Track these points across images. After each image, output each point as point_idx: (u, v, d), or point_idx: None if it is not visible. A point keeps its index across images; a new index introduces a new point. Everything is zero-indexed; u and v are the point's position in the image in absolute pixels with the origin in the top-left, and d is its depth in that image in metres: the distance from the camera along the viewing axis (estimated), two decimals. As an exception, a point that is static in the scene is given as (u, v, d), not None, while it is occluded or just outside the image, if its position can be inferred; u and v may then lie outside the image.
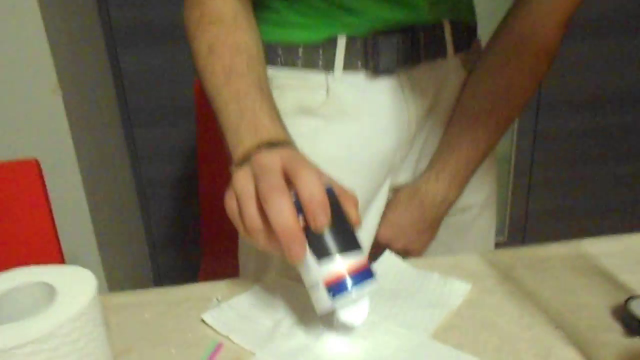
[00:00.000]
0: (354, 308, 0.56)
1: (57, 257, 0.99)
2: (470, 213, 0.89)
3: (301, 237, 0.52)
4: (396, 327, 0.62)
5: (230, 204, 0.57)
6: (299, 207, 0.54)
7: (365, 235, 0.84)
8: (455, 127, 0.86)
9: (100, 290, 0.53)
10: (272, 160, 0.56)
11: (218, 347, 0.61)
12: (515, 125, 2.11)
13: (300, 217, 0.54)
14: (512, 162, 2.15)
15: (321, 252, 0.53)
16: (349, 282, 0.53)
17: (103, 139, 1.76)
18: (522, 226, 2.26)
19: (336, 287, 0.53)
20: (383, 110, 0.80)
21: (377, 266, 0.74)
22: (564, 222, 2.25)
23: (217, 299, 0.69)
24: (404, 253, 0.87)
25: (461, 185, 0.86)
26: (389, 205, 0.86)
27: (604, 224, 2.19)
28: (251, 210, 0.54)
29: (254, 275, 0.86)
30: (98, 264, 1.57)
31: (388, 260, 0.75)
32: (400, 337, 0.61)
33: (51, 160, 1.44)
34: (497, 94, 0.84)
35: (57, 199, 1.52)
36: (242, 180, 0.56)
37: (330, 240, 0.54)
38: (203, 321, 0.65)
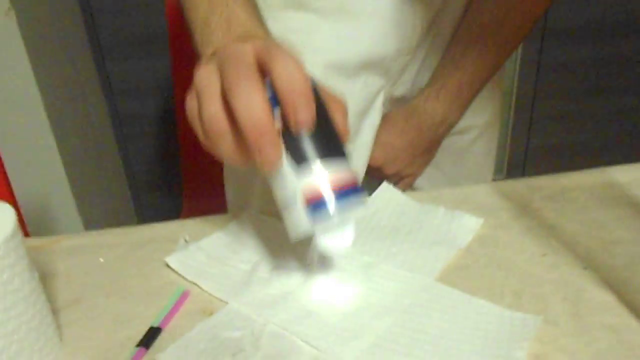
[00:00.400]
0: (337, 231, 0.46)
1: (6, 194, 0.88)
2: (468, 135, 0.79)
3: (274, 135, 0.41)
4: (395, 269, 0.52)
5: (190, 105, 0.45)
6: (275, 103, 0.42)
7: (357, 156, 0.73)
8: (462, 40, 0.74)
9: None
10: (242, 48, 0.43)
11: (184, 296, 0.51)
12: (519, 56, 1.97)
13: (276, 118, 0.42)
14: (514, 95, 2.02)
15: (300, 159, 0.42)
16: (332, 198, 0.42)
17: (70, 71, 1.61)
18: (521, 163, 2.16)
19: (316, 205, 0.42)
20: (387, 10, 0.67)
21: (373, 200, 0.64)
22: (565, 159, 2.16)
23: (185, 240, 0.59)
24: (397, 178, 0.77)
25: (463, 105, 0.75)
26: (382, 125, 0.75)
27: (608, 160, 2.09)
28: (211, 107, 0.42)
29: (235, 210, 0.76)
30: (71, 205, 1.46)
31: (385, 193, 0.64)
32: (401, 280, 0.51)
33: (10, 92, 1.30)
34: (510, 1, 0.72)
35: (23, 136, 1.40)
36: (204, 74, 0.43)
37: (312, 147, 0.42)
38: (168, 266, 0.55)
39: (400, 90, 0.76)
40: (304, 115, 0.41)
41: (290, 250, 0.56)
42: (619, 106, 2.10)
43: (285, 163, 0.43)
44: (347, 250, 0.47)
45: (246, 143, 0.42)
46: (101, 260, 0.57)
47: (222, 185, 0.84)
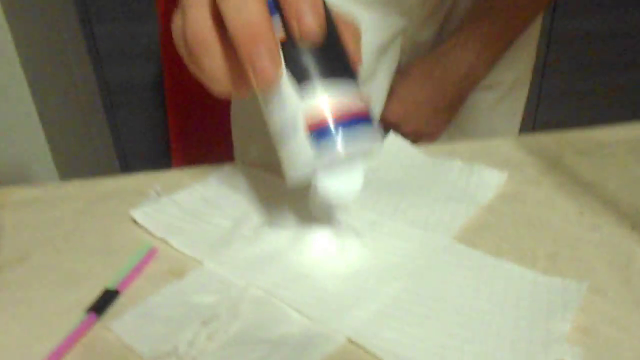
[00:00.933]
0: (344, 172, 0.37)
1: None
2: (495, 93, 0.70)
3: (272, 43, 0.32)
4: (406, 227, 0.44)
5: (175, 23, 0.36)
6: (275, 11, 0.33)
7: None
8: None
9: None
10: None
11: (149, 254, 0.42)
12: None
13: (276, 27, 0.33)
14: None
15: (303, 77, 0.33)
16: (341, 126, 0.34)
17: (53, 34, 1.50)
18: (531, 124, 2.06)
19: (320, 132, 0.33)
20: None
21: (379, 150, 0.55)
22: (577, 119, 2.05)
23: (156, 192, 0.50)
24: (415, 137, 0.68)
25: (492, 58, 0.66)
26: (402, 76, 0.65)
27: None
28: (196, 14, 0.33)
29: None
30: (54, 176, 1.37)
31: (392, 145, 0.56)
32: (412, 240, 0.42)
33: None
34: None
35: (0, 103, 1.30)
36: None
37: (318, 64, 0.34)
38: (134, 221, 0.46)
39: (424, 35, 0.66)
40: (310, 22, 0.32)
41: (281, 206, 0.47)
42: (632, 82, 2.01)
43: (285, 81, 0.34)
44: (354, 197, 0.38)
45: (239, 56, 0.33)
46: (57, 214, 0.48)
47: (212, 151, 0.75)
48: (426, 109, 0.65)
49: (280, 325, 0.35)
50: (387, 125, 0.63)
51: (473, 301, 0.36)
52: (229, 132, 0.98)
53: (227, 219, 0.46)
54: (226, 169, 0.52)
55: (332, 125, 0.33)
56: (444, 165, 0.52)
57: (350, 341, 0.34)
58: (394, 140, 0.56)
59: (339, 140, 0.33)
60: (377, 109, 0.64)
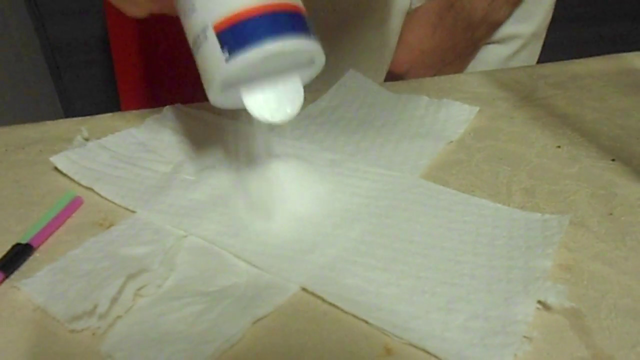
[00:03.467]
0: (273, 84, 0.31)
1: None
2: (510, 47, 0.63)
3: None
4: (367, 167, 0.39)
5: None
6: None
7: (384, 52, 0.56)
8: None
9: None
10: None
11: (73, 204, 0.36)
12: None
13: None
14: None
15: None
16: (257, 24, 0.28)
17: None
18: None
19: (234, 31, 0.28)
20: None
21: (337, 89, 0.50)
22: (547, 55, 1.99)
23: (83, 137, 0.43)
24: None
25: (510, 4, 0.59)
26: (410, 22, 0.58)
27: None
28: None
29: None
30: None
31: (352, 81, 0.50)
32: (375, 179, 0.38)
33: None
34: None
35: None
36: None
37: None
38: (57, 170, 0.40)
39: None
40: None
41: (226, 147, 0.41)
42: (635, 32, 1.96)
43: None
44: (292, 113, 0.31)
45: None
46: (-35, 165, 0.41)
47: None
48: (434, 60, 0.58)
49: (223, 277, 0.30)
50: (392, 76, 0.56)
51: (444, 241, 0.32)
52: (178, 91, 0.91)
53: (166, 163, 0.40)
54: (165, 111, 0.46)
55: (243, 23, 0.27)
56: (410, 101, 0.47)
57: (305, 290, 0.29)
58: (354, 76, 0.51)
59: (255, 39, 0.27)
60: (387, 59, 0.58)
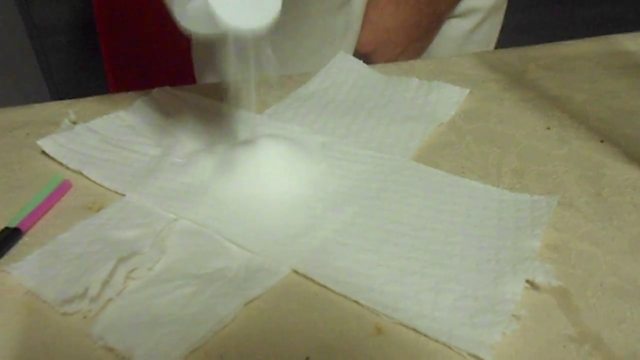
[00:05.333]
0: None
1: None
2: (471, 20, 0.63)
3: None
4: (358, 149, 0.39)
5: None
6: None
7: (346, 34, 0.56)
8: None
9: None
10: None
11: (62, 188, 0.36)
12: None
13: None
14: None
15: None
16: None
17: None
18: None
19: None
20: None
21: (328, 70, 0.49)
22: (541, 39, 1.99)
23: (71, 120, 0.43)
24: None
25: None
26: (373, 2, 0.58)
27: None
28: None
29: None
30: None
31: (343, 63, 0.50)
32: (366, 162, 0.38)
33: None
34: None
35: None
36: None
37: None
38: (45, 154, 0.39)
39: None
40: None
41: (217, 129, 0.41)
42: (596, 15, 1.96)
43: None
44: (266, 20, 0.29)
45: None
46: (-50, 149, 0.41)
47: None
48: (400, 38, 0.58)
49: (214, 259, 0.30)
50: (359, 56, 0.56)
51: (434, 222, 0.32)
52: (166, 71, 0.89)
53: (155, 146, 0.40)
54: (153, 94, 0.46)
55: None
56: (400, 83, 0.47)
57: (296, 273, 0.29)
58: (343, 58, 0.50)
59: None
60: (352, 42, 0.57)
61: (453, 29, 0.63)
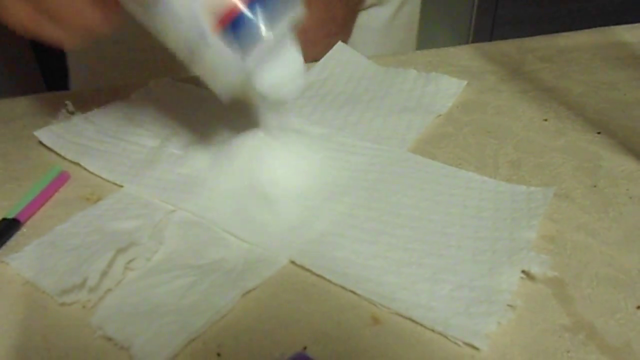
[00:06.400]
0: (278, 61, 0.30)
1: None
2: (388, 8, 0.63)
3: None
4: (356, 141, 0.39)
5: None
6: None
7: None
8: None
9: None
10: None
11: (59, 179, 0.36)
12: None
13: None
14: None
15: None
16: (256, 4, 0.27)
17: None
18: (488, 36, 1.97)
19: (235, 24, 0.27)
20: None
21: (326, 62, 0.49)
22: (535, 31, 1.98)
23: (68, 111, 0.43)
24: None
25: None
26: None
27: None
28: None
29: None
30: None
31: (341, 55, 0.50)
32: (363, 153, 0.38)
33: None
34: None
35: None
36: None
37: None
38: (42, 144, 0.39)
39: None
40: None
41: (215, 120, 0.41)
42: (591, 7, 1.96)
43: None
44: (301, 84, 0.32)
45: None
46: (-53, 140, 0.41)
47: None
48: (317, 35, 0.58)
49: (212, 250, 0.30)
50: None
51: (431, 213, 0.32)
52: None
53: (153, 137, 0.40)
54: (151, 85, 0.46)
55: (244, 9, 0.27)
56: (398, 74, 0.47)
57: (293, 264, 0.30)
58: (342, 49, 0.50)
59: (261, 23, 0.27)
60: None
61: (372, 18, 0.63)
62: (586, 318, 0.26)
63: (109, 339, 0.25)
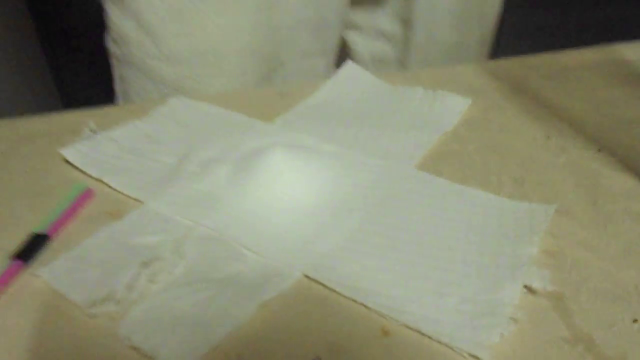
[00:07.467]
0: None
1: None
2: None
3: None
4: (365, 158, 0.41)
5: None
6: None
7: None
8: None
9: None
10: None
11: (85, 196, 0.38)
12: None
13: None
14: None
15: None
16: None
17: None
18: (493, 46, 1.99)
19: None
20: None
21: (336, 80, 0.51)
22: (541, 41, 2.00)
23: (91, 129, 0.45)
24: None
25: None
26: None
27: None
28: None
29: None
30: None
31: (350, 73, 0.52)
32: (372, 170, 0.40)
33: None
34: None
35: None
36: None
37: None
38: (67, 162, 0.41)
39: None
40: None
41: (231, 139, 0.43)
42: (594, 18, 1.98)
43: None
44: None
45: None
46: (-23, 157, 0.43)
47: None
48: None
49: (230, 264, 0.32)
50: None
51: (437, 229, 0.34)
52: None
53: (172, 155, 0.42)
54: (170, 103, 0.48)
55: None
56: (405, 92, 0.49)
57: (307, 277, 0.31)
58: (350, 68, 0.52)
59: None
60: None
61: None
62: (585, 330, 0.28)
63: (136, 349, 0.27)
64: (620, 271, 0.31)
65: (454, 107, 0.46)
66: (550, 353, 0.26)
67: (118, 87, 0.62)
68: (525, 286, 0.30)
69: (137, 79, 0.58)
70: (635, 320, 0.28)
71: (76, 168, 0.41)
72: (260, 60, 0.55)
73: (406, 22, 0.62)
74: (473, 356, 0.26)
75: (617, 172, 0.39)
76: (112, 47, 0.58)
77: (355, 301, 0.30)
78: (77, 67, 1.79)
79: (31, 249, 0.33)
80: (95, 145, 0.42)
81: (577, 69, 0.52)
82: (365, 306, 0.29)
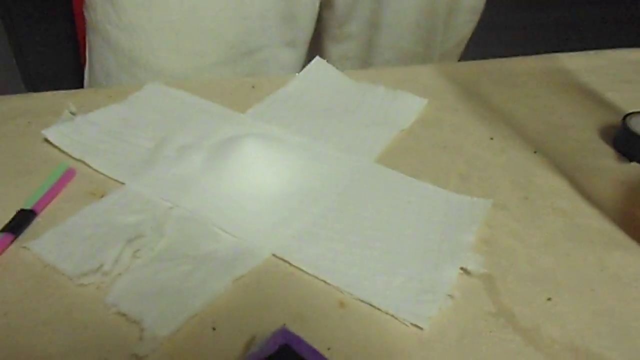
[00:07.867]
0: None
1: None
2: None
3: None
4: (330, 150, 0.45)
5: None
6: None
7: None
8: None
9: None
10: None
11: (67, 175, 0.40)
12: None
13: None
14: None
15: None
16: None
17: None
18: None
19: None
20: None
21: (304, 76, 0.55)
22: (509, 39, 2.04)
23: (71, 112, 0.47)
24: None
25: None
26: None
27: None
28: None
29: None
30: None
31: (318, 69, 0.56)
32: (336, 162, 0.44)
33: None
34: None
35: None
36: None
37: None
38: (47, 141, 0.44)
39: None
40: None
41: (204, 125, 0.46)
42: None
43: None
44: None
45: None
46: (-43, 133, 0.44)
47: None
48: None
49: (207, 243, 0.36)
50: None
51: (390, 217, 0.39)
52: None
53: (149, 139, 0.45)
54: (146, 89, 0.50)
55: None
56: (368, 90, 0.53)
57: (275, 256, 0.35)
58: (318, 64, 0.56)
59: None
60: None
61: None
62: (507, 306, 0.33)
63: (123, 315, 0.31)
64: (542, 257, 0.36)
65: (411, 106, 0.51)
66: (478, 324, 0.32)
67: (87, 55, 0.63)
68: (462, 268, 0.35)
69: (99, 47, 0.59)
70: (549, 299, 0.33)
71: (57, 148, 0.43)
72: (223, 45, 0.57)
73: (374, 26, 0.66)
74: (415, 325, 0.31)
75: (548, 172, 0.45)
76: (85, 13, 0.59)
77: (317, 278, 0.34)
78: (38, 32, 1.73)
79: (19, 223, 0.36)
80: (76, 127, 0.45)
81: (524, 75, 0.58)
82: (325, 282, 0.34)
